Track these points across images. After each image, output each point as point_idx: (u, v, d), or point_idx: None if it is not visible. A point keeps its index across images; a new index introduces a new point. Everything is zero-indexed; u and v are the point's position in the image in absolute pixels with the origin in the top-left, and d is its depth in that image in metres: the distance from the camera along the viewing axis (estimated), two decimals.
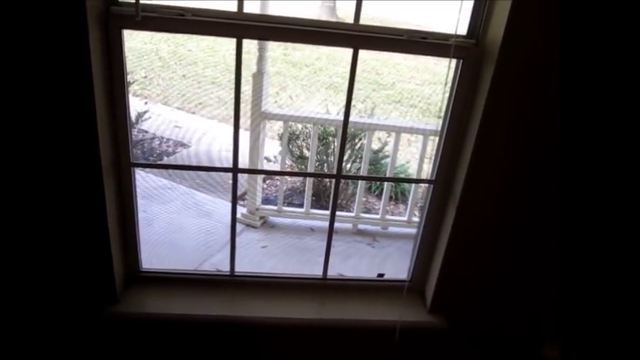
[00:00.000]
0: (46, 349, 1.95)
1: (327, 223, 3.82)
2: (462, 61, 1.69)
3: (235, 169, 1.82)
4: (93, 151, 1.58)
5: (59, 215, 1.68)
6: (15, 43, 1.41)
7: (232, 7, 1.59)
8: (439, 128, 1.85)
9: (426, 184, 1.96)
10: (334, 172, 4.14)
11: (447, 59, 1.68)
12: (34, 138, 1.55)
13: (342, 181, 4.02)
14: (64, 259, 1.76)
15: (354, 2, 1.62)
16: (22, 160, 1.58)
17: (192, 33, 1.58)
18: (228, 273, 2.04)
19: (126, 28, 1.56)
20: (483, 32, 1.65)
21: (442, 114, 1.80)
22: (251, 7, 1.60)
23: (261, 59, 3.69)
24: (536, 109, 1.65)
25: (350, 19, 1.65)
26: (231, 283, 2.04)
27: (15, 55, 1.43)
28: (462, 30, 1.67)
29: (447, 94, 1.78)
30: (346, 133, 1.82)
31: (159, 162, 5.13)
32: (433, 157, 1.91)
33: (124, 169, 1.77)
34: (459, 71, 1.71)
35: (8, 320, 1.87)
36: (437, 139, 1.86)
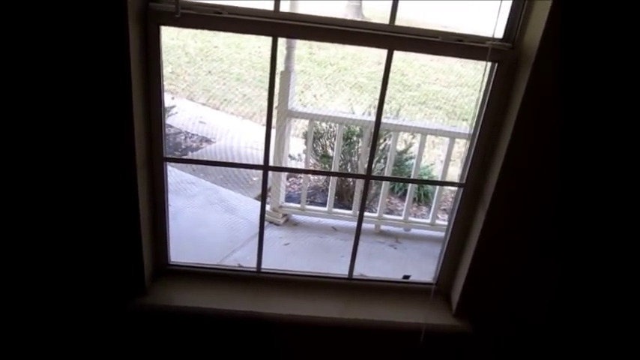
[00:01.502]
0: (76, 338, 1.99)
1: (349, 223, 3.86)
2: (496, 64, 1.68)
3: (266, 167, 1.84)
4: (129, 145, 1.61)
5: (94, 207, 1.71)
6: (57, 40, 1.45)
7: (263, 5, 1.60)
8: (469, 131, 1.84)
9: (453, 187, 1.95)
10: (358, 171, 4.15)
11: (474, 61, 1.67)
12: (74, 131, 1.58)
13: None
14: (96, 250, 1.80)
15: (384, 2, 1.61)
16: (60, 153, 1.61)
17: (228, 31, 1.59)
18: (254, 269, 2.06)
19: (164, 24, 1.58)
20: (520, 36, 1.63)
21: (475, 117, 1.79)
22: (281, 6, 1.61)
23: (288, 58, 3.70)
24: (571, 114, 1.63)
25: (375, 19, 1.65)
26: (257, 280, 2.06)
27: (57, 52, 1.46)
28: (496, 33, 1.65)
29: (480, 97, 1.76)
30: (378, 133, 1.82)
31: (184, 157, 5.19)
32: (459, 160, 1.90)
33: (156, 163, 1.79)
34: (493, 75, 1.70)
35: (39, 309, 1.91)
36: (462, 141, 1.85)
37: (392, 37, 1.62)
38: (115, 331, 1.98)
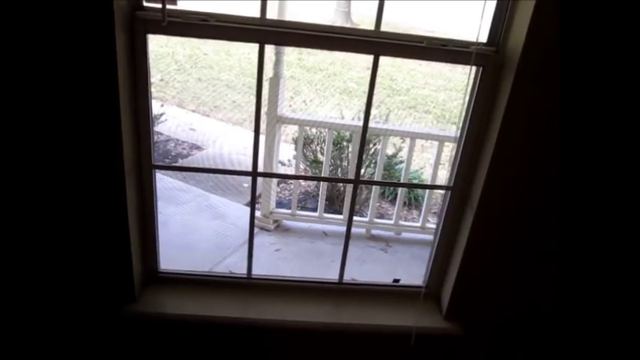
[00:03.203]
0: (66, 345, 1.98)
1: (340, 228, 3.87)
2: (481, 68, 1.70)
3: (255, 173, 1.84)
4: (117, 154, 1.61)
5: (82, 215, 1.71)
6: (44, 49, 1.45)
7: (251, 12, 1.61)
8: (456, 135, 1.86)
9: (442, 191, 1.96)
10: (348, 176, 4.17)
11: (462, 65, 1.69)
12: (60, 139, 1.58)
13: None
14: (85, 258, 1.79)
15: (371, 7, 1.63)
16: (48, 161, 1.61)
17: (215, 38, 1.60)
18: (245, 275, 2.06)
19: (151, 32, 1.59)
20: (504, 40, 1.65)
21: (460, 120, 1.81)
22: (268, 12, 1.62)
23: (277, 63, 3.72)
24: (556, 115, 1.65)
25: (364, 24, 1.67)
26: (247, 286, 2.06)
27: (44, 61, 1.47)
28: (480, 37, 1.67)
29: (466, 101, 1.78)
30: (365, 138, 1.83)
31: (174, 164, 5.18)
32: (448, 164, 1.91)
33: (145, 170, 1.79)
34: (478, 78, 1.72)
35: (29, 317, 1.90)
36: (451, 145, 1.87)
37: (377, 43, 1.63)
38: (105, 339, 1.97)
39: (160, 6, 1.52)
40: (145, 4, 1.58)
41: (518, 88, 1.59)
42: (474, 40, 1.65)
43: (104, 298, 1.87)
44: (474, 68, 1.70)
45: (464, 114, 1.79)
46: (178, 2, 1.61)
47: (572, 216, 1.82)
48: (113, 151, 1.61)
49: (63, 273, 1.82)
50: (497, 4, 1.64)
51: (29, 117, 1.54)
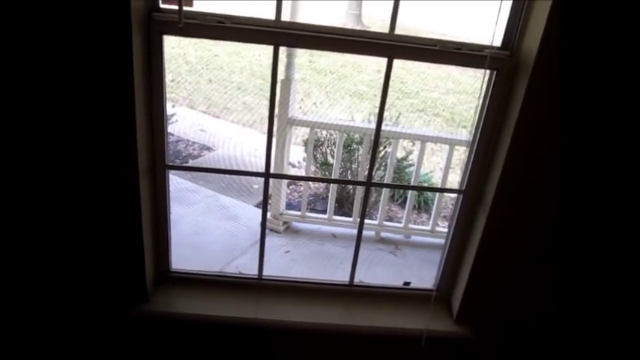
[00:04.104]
0: (79, 344, 1.99)
1: (349, 230, 3.87)
2: (495, 72, 1.70)
3: (267, 174, 1.85)
4: (132, 154, 1.62)
5: (97, 214, 1.73)
6: (62, 50, 1.47)
7: (262, 14, 1.62)
8: (468, 138, 1.86)
9: (453, 194, 1.96)
10: (358, 178, 4.17)
11: (472, 68, 1.69)
12: (77, 140, 1.60)
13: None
14: (99, 257, 1.81)
15: (381, 10, 1.63)
16: (64, 162, 1.63)
17: (231, 40, 1.61)
18: (256, 276, 2.07)
19: (167, 34, 1.60)
20: (518, 44, 1.65)
21: (474, 124, 1.81)
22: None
23: (289, 66, 3.73)
24: (570, 120, 1.64)
25: (375, 27, 1.67)
26: (258, 287, 2.07)
27: (62, 62, 1.48)
28: (490, 40, 1.67)
29: (479, 105, 1.78)
30: (378, 141, 1.84)
31: (184, 164, 5.20)
32: (458, 168, 1.91)
33: (159, 171, 1.81)
34: (492, 82, 1.72)
35: (41, 316, 1.92)
36: (462, 148, 1.86)
37: (392, 46, 1.64)
38: (118, 338, 1.99)
39: (176, 7, 1.53)
40: (162, 5, 1.60)
41: (532, 92, 1.59)
42: (486, 43, 1.65)
43: (117, 297, 1.89)
44: (487, 72, 1.70)
45: (477, 117, 1.79)
46: (194, 3, 1.63)
47: (585, 219, 1.81)
48: (128, 151, 1.62)
49: (77, 272, 1.83)
50: (512, 8, 1.64)
51: (46, 117, 1.56)
